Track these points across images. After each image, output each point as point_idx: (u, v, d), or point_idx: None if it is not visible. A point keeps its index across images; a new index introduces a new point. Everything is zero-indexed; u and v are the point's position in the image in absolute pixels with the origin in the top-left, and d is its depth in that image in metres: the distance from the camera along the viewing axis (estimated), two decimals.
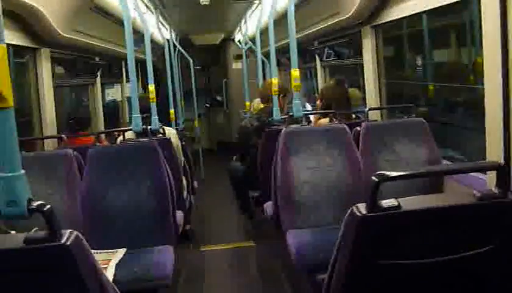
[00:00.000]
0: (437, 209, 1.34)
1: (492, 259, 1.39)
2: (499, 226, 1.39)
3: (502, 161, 2.36)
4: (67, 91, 5.48)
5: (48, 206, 1.26)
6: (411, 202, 1.33)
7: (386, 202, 1.31)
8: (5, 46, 1.23)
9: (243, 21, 7.12)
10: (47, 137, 3.73)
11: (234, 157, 5.12)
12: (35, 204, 1.28)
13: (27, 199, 1.29)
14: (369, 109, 3.71)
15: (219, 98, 10.73)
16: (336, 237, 1.47)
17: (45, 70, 3.76)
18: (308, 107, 6.07)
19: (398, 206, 1.31)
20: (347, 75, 5.66)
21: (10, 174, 1.28)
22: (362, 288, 1.40)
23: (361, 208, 1.33)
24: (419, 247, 1.36)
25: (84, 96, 5.57)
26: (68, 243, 1.27)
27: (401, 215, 1.31)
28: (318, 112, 4.09)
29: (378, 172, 1.31)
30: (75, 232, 1.32)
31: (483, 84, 2.60)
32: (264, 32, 5.77)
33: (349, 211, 1.36)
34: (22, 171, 1.30)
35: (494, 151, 2.46)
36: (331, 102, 3.88)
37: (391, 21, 3.66)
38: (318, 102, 4.15)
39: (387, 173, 1.31)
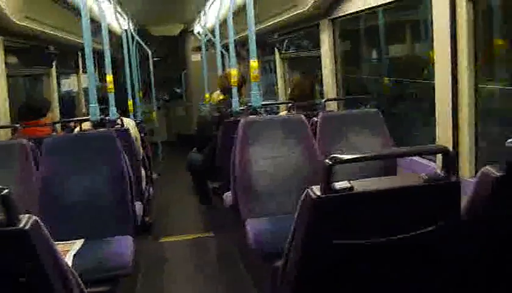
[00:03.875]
0: (387, 190, 1.42)
1: (437, 238, 1.48)
2: (443, 207, 1.48)
3: (451, 147, 2.49)
4: (22, 81, 5.33)
5: (6, 190, 1.25)
6: (363, 184, 1.40)
7: (340, 184, 1.37)
8: None
9: (202, 12, 7.10)
10: (1, 127, 3.62)
11: (194, 149, 5.13)
12: None
13: None
14: (326, 100, 3.80)
15: (178, 90, 10.66)
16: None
17: None
18: None
19: (351, 188, 1.37)
20: (306, 68, 5.74)
21: None
22: (317, 268, 1.45)
23: (315, 190, 1.38)
24: (371, 227, 1.43)
25: (39, 87, 5.43)
26: (26, 227, 1.27)
27: (353, 196, 1.37)
28: (276, 103, 4.15)
29: (331, 155, 1.37)
30: (34, 217, 1.31)
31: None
32: (223, 23, 5.78)
33: (304, 193, 1.41)
34: None
35: (443, 138, 2.59)
36: (300, 94, 3.97)
37: (348, 14, 3.75)
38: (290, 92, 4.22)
39: (340, 155, 1.37)
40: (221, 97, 4.79)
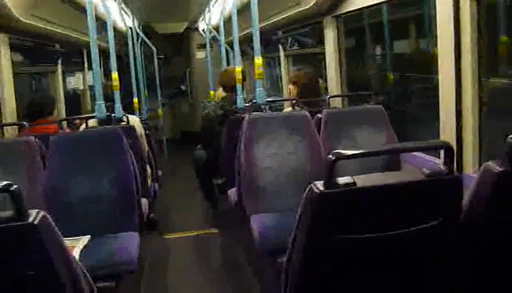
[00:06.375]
0: (389, 185, 1.43)
1: (439, 232, 1.49)
2: (445, 202, 1.49)
3: (455, 142, 2.50)
4: (28, 79, 5.37)
5: (15, 186, 1.27)
6: (365, 180, 1.41)
7: (342, 180, 1.39)
8: None
9: (207, 9, 7.11)
10: (8, 124, 3.65)
11: (199, 146, 5.14)
12: (1, 184, 1.29)
13: None
14: (330, 96, 3.81)
15: (183, 87, 10.68)
16: None
17: (3, 57, 3.67)
18: None
19: (354, 183, 1.39)
20: (310, 65, 5.75)
21: None
22: (319, 263, 1.47)
23: (319, 185, 1.40)
24: (373, 222, 1.45)
25: (45, 84, 5.46)
26: (35, 222, 1.29)
27: (356, 192, 1.39)
28: (280, 99, 4.15)
29: (334, 150, 1.39)
30: (42, 212, 1.34)
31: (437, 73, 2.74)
32: (227, 21, 5.79)
33: (307, 189, 1.43)
34: None
35: (447, 135, 2.59)
36: (305, 89, 3.96)
37: (352, 11, 3.75)
38: (291, 86, 4.19)
39: (343, 151, 1.39)
40: (224, 94, 4.80)
